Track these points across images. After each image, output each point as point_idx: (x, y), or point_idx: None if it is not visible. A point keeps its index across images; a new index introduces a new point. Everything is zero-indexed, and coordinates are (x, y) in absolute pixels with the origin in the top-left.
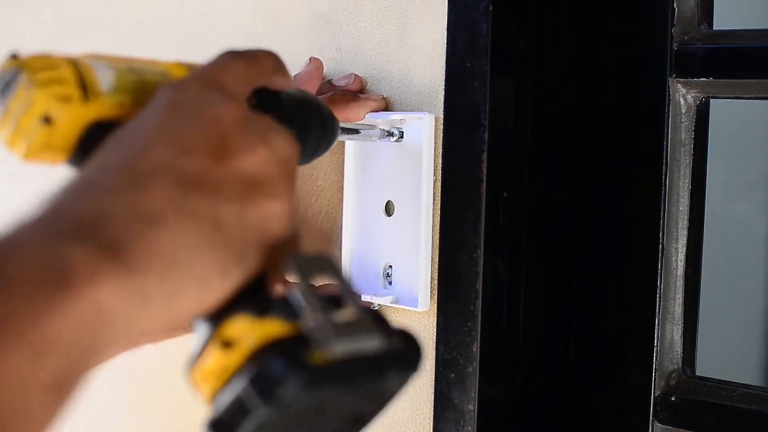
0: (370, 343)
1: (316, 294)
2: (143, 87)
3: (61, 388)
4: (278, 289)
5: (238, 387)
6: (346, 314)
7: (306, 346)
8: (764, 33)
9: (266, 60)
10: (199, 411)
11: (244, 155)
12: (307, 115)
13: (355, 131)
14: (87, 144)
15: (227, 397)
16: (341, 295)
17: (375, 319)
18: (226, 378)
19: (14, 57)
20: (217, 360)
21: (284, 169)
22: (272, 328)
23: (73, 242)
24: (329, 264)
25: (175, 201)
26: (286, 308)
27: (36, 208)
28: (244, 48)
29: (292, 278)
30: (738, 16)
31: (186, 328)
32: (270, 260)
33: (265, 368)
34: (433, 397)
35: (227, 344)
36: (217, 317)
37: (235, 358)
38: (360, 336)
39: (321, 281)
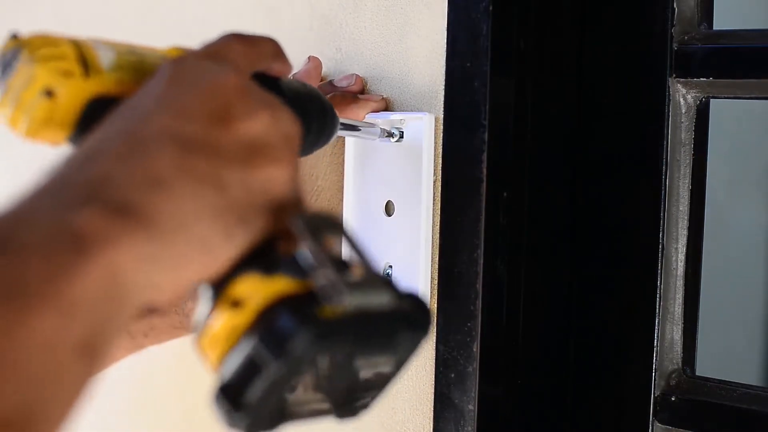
0: (381, 299)
1: (324, 251)
2: (143, 67)
3: (89, 351)
4: (286, 249)
5: (248, 346)
6: (355, 272)
7: (316, 302)
8: (764, 33)
9: (266, 45)
10: (199, 410)
11: (246, 120)
12: (307, 104)
13: (355, 128)
14: (88, 120)
15: (236, 359)
16: (350, 256)
17: (385, 279)
18: (235, 339)
19: (14, 37)
20: (225, 321)
21: (287, 141)
22: (281, 285)
23: (83, 207)
24: (336, 223)
25: (179, 165)
26: (294, 266)
27: (41, 178)
28: (245, 32)
29: (299, 238)
30: (738, 16)
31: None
32: (276, 222)
33: (274, 324)
34: (433, 397)
35: (236, 304)
36: (225, 281)
37: (243, 317)
38: (370, 292)
39: (328, 240)
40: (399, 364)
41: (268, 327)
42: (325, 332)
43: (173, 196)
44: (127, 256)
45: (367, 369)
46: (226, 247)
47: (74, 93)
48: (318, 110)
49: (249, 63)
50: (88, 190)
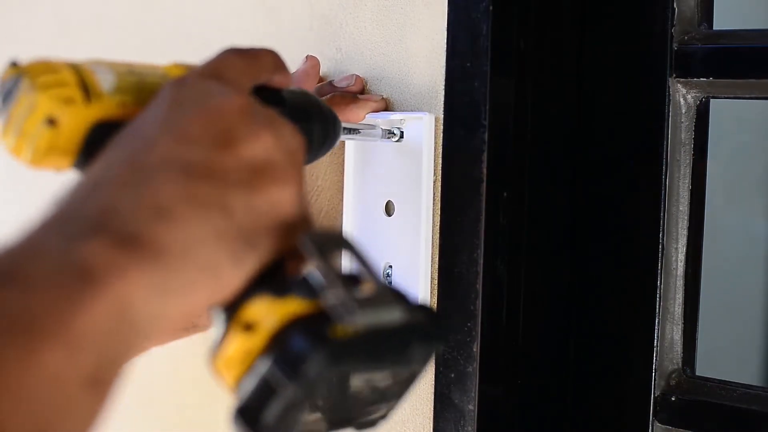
0: (392, 315)
1: (334, 270)
2: (144, 87)
3: (98, 384)
4: (295, 269)
5: (262, 369)
6: (365, 289)
7: (328, 322)
8: (764, 33)
9: (266, 57)
10: (200, 410)
11: (249, 142)
12: (309, 112)
13: (356, 131)
14: (92, 145)
15: (252, 381)
16: (359, 271)
17: (395, 293)
18: (250, 362)
19: (14, 65)
20: (239, 345)
21: (291, 158)
22: (292, 306)
23: (90, 239)
24: (344, 240)
25: (183, 192)
26: (305, 286)
27: (47, 210)
28: (244, 46)
29: (308, 257)
30: (738, 16)
31: (193, 328)
32: (284, 243)
33: (288, 346)
34: (433, 397)
35: (248, 327)
36: (236, 304)
37: (257, 340)
38: (381, 309)
39: (337, 257)
40: (414, 375)
41: (281, 350)
42: (338, 352)
43: (178, 224)
44: (135, 288)
45: (382, 381)
46: (235, 271)
47: (76, 120)
48: (320, 118)
49: (250, 79)
50: (94, 222)
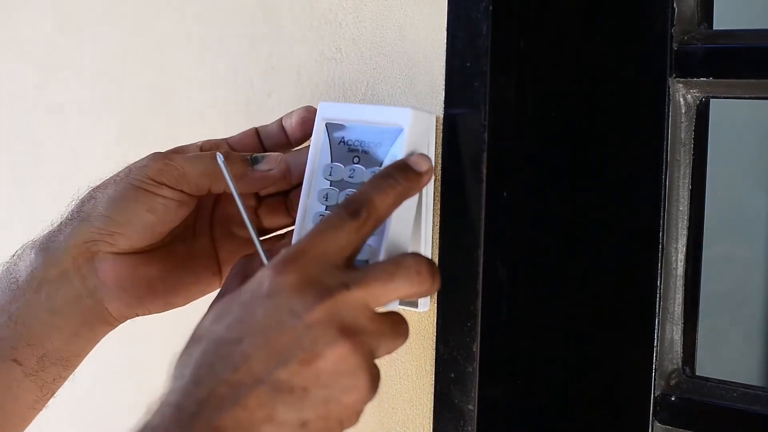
0: None
1: None
2: None
3: None
4: None
5: None
6: None
7: None
8: (764, 33)
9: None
10: None
11: (326, 358)
12: None
13: None
14: None
15: None
16: None
17: None
18: None
19: None
20: None
21: (364, 360)
22: None
23: None
24: None
25: (268, 412)
26: None
27: (165, 418)
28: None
29: None
30: (738, 16)
31: None
32: (353, 424)
33: None
34: (433, 397)
35: None
36: None
37: None
38: None
39: None
40: None
41: None
42: None
43: None
44: None
45: None
46: None
47: None
48: None
49: (341, 264)
50: None
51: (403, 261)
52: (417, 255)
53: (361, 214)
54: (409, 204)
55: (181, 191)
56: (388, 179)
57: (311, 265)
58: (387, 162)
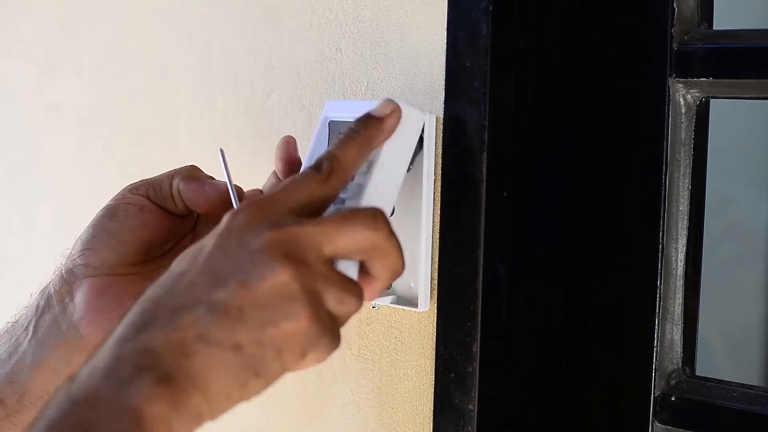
0: None
1: None
2: None
3: None
4: None
5: None
6: None
7: None
8: (764, 33)
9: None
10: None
11: (267, 279)
12: None
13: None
14: None
15: None
16: None
17: None
18: None
19: None
20: None
21: (307, 292)
22: None
23: (136, 383)
24: None
25: (200, 331)
26: None
27: (104, 349)
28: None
29: None
30: (738, 16)
31: None
32: (294, 365)
33: None
34: (433, 397)
35: None
36: None
37: None
38: None
39: None
40: None
41: None
42: None
43: (197, 361)
44: (178, 423)
45: None
46: (243, 393)
47: None
48: None
49: (295, 206)
50: (139, 364)
51: (360, 208)
52: (376, 208)
53: (323, 167)
54: (395, 166)
55: (143, 196)
56: (348, 132)
57: (269, 208)
58: (373, 167)
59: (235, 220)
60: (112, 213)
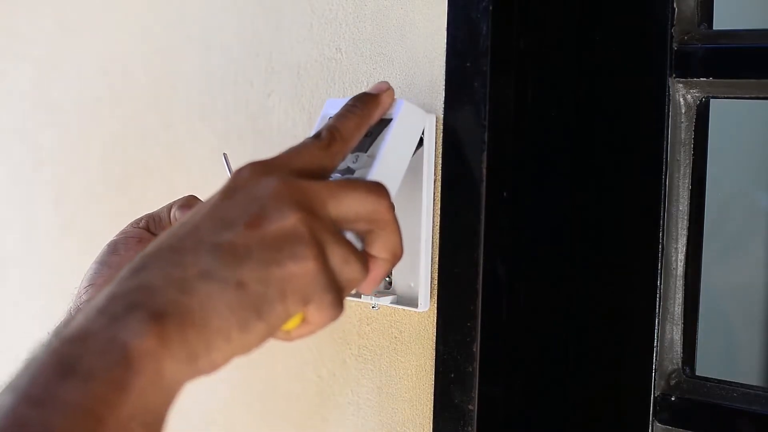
0: None
1: None
2: None
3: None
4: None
5: None
6: None
7: None
8: (764, 33)
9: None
10: (205, 411)
11: (275, 221)
12: None
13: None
14: None
15: None
16: None
17: None
18: None
19: None
20: None
21: (316, 233)
22: None
23: (128, 319)
24: None
25: (203, 268)
26: None
27: (102, 292)
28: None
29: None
30: (738, 16)
31: None
32: (298, 308)
33: None
34: (433, 397)
35: None
36: None
37: None
38: None
39: None
40: None
41: None
42: None
43: (195, 297)
44: (169, 361)
45: None
46: (243, 335)
47: None
48: None
49: (308, 161)
50: (133, 300)
51: (366, 179)
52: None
53: (322, 135)
54: (404, 147)
55: (144, 229)
56: (346, 106)
57: (274, 166)
58: (380, 150)
59: (240, 174)
60: (113, 248)
